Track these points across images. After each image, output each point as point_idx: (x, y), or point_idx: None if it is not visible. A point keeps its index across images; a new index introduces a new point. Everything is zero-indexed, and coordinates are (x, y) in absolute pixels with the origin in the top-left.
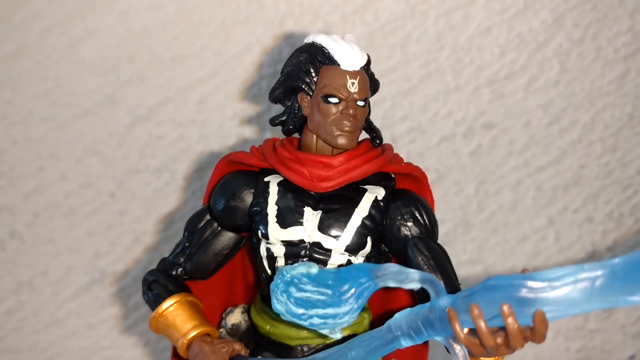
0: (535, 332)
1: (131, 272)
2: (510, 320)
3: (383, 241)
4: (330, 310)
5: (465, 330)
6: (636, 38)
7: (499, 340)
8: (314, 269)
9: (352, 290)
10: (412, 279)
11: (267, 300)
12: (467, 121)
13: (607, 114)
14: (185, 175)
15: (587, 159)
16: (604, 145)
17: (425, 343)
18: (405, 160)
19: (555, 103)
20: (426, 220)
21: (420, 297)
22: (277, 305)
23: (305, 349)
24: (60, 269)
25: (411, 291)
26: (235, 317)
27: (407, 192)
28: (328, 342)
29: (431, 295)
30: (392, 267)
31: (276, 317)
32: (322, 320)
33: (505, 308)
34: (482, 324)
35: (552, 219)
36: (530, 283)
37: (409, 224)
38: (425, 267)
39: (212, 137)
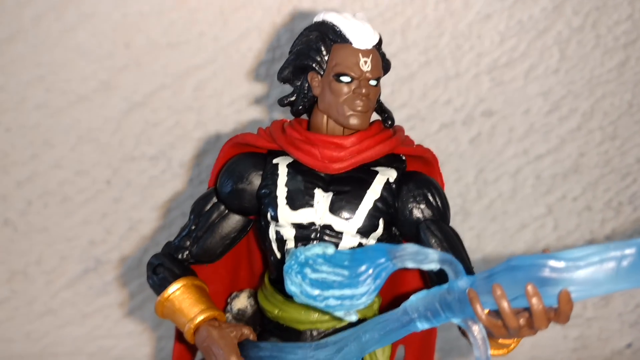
0: (559, 312)
1: (127, 261)
2: (534, 300)
3: (394, 224)
4: (347, 291)
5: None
6: (636, 26)
7: (522, 321)
8: (330, 249)
9: (370, 271)
10: (431, 260)
11: (275, 284)
12: (466, 108)
13: (606, 102)
14: (182, 162)
15: (587, 147)
16: (603, 134)
17: (433, 328)
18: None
19: (554, 91)
20: (439, 203)
21: (432, 280)
22: (291, 287)
23: (315, 333)
24: (54, 257)
25: (422, 275)
26: (241, 301)
27: (418, 174)
28: (338, 326)
29: (449, 276)
30: (410, 247)
31: (285, 301)
32: (339, 302)
33: (530, 288)
34: (505, 305)
35: (551, 207)
36: (554, 263)
37: (422, 206)
38: (439, 249)
39: (209, 124)
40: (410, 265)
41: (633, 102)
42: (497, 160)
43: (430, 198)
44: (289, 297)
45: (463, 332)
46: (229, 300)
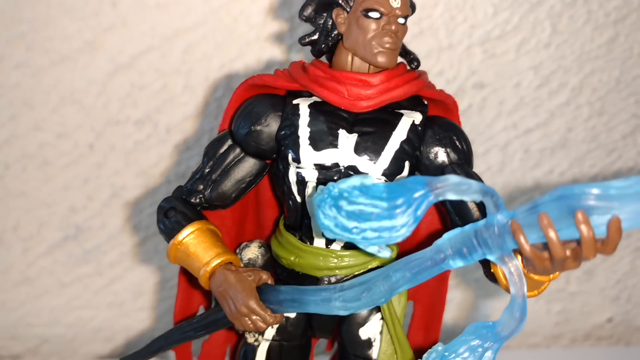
0: (608, 241)
1: (108, 228)
2: (584, 227)
3: (418, 168)
4: (385, 223)
5: None
6: (627, 2)
7: (568, 252)
8: (369, 179)
9: (410, 202)
10: (474, 190)
11: (292, 230)
12: (458, 80)
13: (595, 77)
14: (168, 127)
15: (575, 122)
16: (591, 109)
17: (445, 282)
18: None
19: (545, 65)
20: (464, 146)
21: (454, 223)
22: (324, 220)
23: (333, 279)
24: (32, 224)
25: (443, 221)
26: (252, 251)
27: (442, 119)
28: (357, 272)
29: (488, 209)
30: (452, 178)
31: (302, 246)
32: (377, 234)
33: (580, 215)
34: (552, 234)
35: (538, 182)
36: (603, 190)
37: (448, 149)
38: None
39: (197, 88)
40: (451, 196)
41: (621, 79)
42: (487, 133)
43: (456, 141)
44: (305, 243)
45: (491, 276)
46: (238, 250)
